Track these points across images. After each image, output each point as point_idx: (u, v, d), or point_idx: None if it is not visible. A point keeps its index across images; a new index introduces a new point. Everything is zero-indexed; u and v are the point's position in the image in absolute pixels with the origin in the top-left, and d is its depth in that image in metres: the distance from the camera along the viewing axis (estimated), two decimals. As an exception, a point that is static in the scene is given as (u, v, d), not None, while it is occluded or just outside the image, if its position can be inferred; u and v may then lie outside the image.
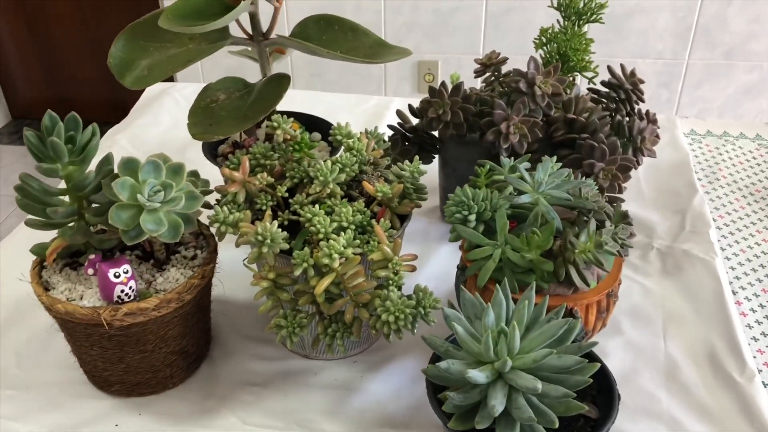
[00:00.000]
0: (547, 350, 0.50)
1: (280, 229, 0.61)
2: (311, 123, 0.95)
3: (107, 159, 0.64)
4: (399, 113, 0.91)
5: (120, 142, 1.14)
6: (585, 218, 0.63)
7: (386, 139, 0.81)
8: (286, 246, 0.61)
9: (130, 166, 0.61)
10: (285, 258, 0.64)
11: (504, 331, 0.51)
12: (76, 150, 0.62)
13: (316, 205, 0.64)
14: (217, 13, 0.73)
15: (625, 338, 0.75)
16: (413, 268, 0.62)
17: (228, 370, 0.72)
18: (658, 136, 0.83)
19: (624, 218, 0.63)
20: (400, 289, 0.61)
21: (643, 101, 0.86)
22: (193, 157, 0.92)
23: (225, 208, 0.65)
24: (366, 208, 0.67)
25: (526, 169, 0.69)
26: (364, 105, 1.26)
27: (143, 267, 0.67)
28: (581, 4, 0.86)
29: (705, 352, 0.73)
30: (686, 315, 0.78)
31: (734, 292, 0.81)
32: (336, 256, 0.58)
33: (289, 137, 0.71)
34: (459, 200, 0.62)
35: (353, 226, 0.64)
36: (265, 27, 0.80)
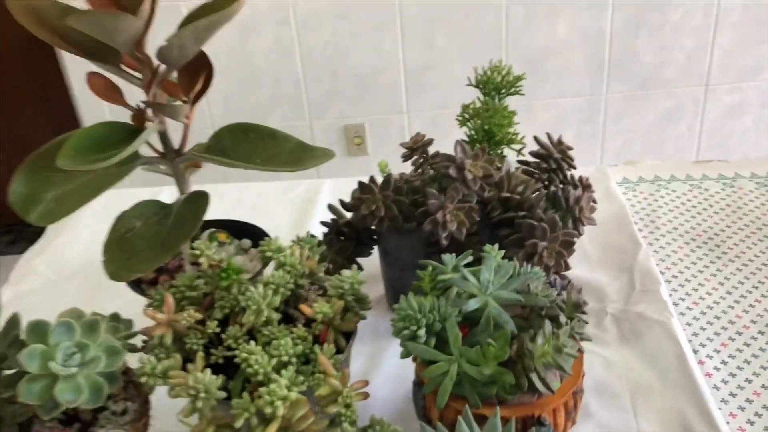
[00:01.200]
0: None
1: (215, 377, 0.55)
2: (239, 228, 0.90)
3: (13, 323, 0.58)
4: (332, 209, 0.87)
5: (38, 268, 1.06)
6: (538, 314, 0.60)
7: (318, 242, 0.77)
8: (224, 395, 0.55)
9: (39, 330, 0.55)
10: (224, 405, 0.59)
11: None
12: (-25, 322, 0.55)
13: (252, 342, 0.59)
14: (122, 139, 0.69)
15: (595, 422, 0.71)
16: (366, 396, 0.58)
17: None
18: (595, 202, 0.82)
19: (577, 308, 0.61)
20: (354, 424, 0.56)
21: (574, 168, 0.85)
22: (117, 281, 0.85)
23: (152, 357, 0.59)
24: (307, 333, 0.63)
25: (469, 263, 0.66)
26: (293, 192, 1.22)
27: (67, 434, 0.61)
28: (499, 79, 0.85)
29: (678, 424, 0.70)
30: (652, 384, 0.75)
31: (695, 351, 0.79)
32: (279, 403, 0.52)
33: (214, 263, 0.66)
34: (405, 314, 0.58)
35: (295, 359, 0.59)
36: (176, 142, 0.76)
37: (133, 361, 0.62)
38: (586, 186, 0.83)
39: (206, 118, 2.27)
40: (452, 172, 0.76)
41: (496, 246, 0.68)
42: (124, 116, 0.73)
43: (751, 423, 0.70)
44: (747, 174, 1.11)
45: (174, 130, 0.76)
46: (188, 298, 0.66)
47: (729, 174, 1.12)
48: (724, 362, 0.77)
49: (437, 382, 0.57)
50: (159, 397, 0.63)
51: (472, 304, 0.58)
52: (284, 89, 2.29)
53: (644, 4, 2.16)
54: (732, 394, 0.73)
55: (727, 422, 0.70)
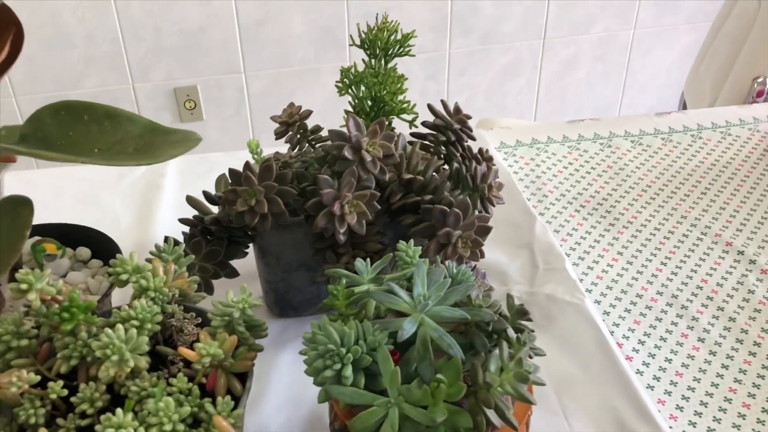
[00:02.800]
0: None
1: (70, 471, 0.39)
2: (71, 233, 0.71)
3: None
4: (192, 202, 0.71)
5: None
6: (480, 329, 0.49)
7: (183, 249, 0.61)
8: (87, 495, 0.39)
9: None
10: (87, 502, 0.43)
11: None
12: None
13: (118, 410, 0.43)
14: None
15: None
16: (281, 459, 0.44)
17: None
18: (499, 179, 0.73)
19: (522, 315, 0.51)
20: (272, 502, 0.43)
21: (473, 139, 0.75)
22: None
23: (-31, 449, 0.41)
24: (189, 383, 0.48)
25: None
26: (131, 175, 1.01)
27: None
28: (386, 38, 0.72)
29: (612, 421, 0.64)
30: (576, 377, 0.68)
31: (611, 332, 0.73)
32: (172, 499, 0.38)
33: (49, 298, 0.49)
34: (324, 350, 0.45)
35: (181, 426, 0.44)
36: (-25, 131, 0.56)
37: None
38: (488, 159, 0.74)
39: (5, 87, 1.93)
40: (347, 153, 0.63)
41: (411, 243, 0.57)
42: None
43: (681, 409, 0.66)
44: (621, 132, 1.09)
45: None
46: (15, 350, 0.48)
47: (604, 133, 1.08)
48: (641, 342, 0.73)
49: (371, 431, 0.45)
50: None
51: (408, 328, 0.46)
52: (99, 48, 1.99)
53: (483, -43, 2.12)
54: (656, 378, 0.69)
55: (659, 410, 0.65)
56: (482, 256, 0.67)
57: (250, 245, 0.73)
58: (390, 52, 0.73)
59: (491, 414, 0.45)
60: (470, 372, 0.46)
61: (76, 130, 0.57)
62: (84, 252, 0.69)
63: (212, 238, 0.70)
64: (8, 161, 0.59)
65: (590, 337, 0.72)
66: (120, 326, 0.47)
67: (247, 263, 0.74)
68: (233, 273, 0.70)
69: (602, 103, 2.48)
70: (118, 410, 0.43)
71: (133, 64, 2.05)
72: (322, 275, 0.68)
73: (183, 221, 0.70)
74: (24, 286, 0.47)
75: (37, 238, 0.68)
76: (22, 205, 0.54)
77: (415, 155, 0.69)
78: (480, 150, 0.74)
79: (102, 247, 0.68)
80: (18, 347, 0.48)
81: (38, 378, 0.45)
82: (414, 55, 0.73)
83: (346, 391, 0.45)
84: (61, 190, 0.98)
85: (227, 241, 0.70)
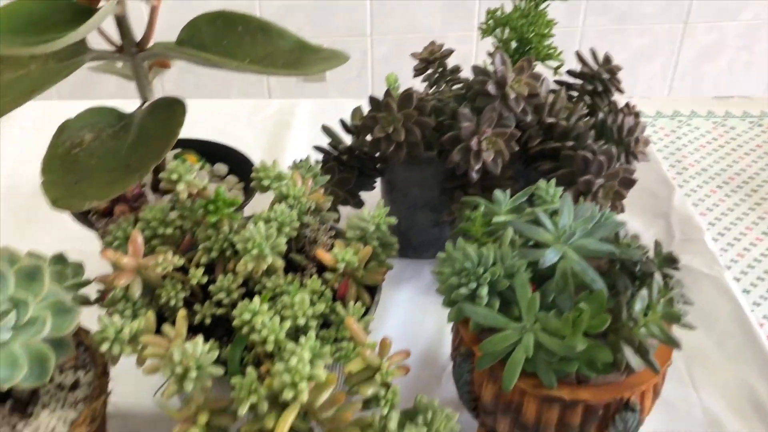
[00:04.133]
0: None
1: (206, 346, 0.40)
2: (210, 150, 0.73)
3: None
4: (327, 131, 0.71)
5: (-50, 193, 0.86)
6: (627, 271, 0.47)
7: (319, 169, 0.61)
8: (220, 371, 0.40)
9: (-47, 279, 0.38)
10: (219, 383, 0.44)
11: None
12: None
13: (256, 298, 0.44)
14: (67, 20, 0.51)
15: (651, 395, 0.60)
16: (407, 371, 0.44)
17: None
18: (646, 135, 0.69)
19: (670, 262, 0.48)
20: (395, 408, 0.43)
21: (621, 92, 0.71)
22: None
23: (115, 316, 0.43)
24: (323, 286, 0.48)
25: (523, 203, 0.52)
26: (262, 113, 1.04)
27: (-3, 417, 0.45)
28: (540, -21, 0.69)
29: (747, 399, 0.59)
30: (709, 352, 0.64)
31: (750, 311, 0.68)
32: (304, 384, 0.38)
33: (196, 192, 0.50)
34: (460, 268, 0.44)
35: (314, 322, 0.44)
36: (138, 34, 0.58)
37: (85, 315, 0.46)
38: (636, 113, 0.70)
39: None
40: (491, 88, 0.61)
41: (553, 182, 0.55)
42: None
43: (827, 397, 0.60)
44: (774, 112, 1.00)
45: (135, 19, 0.58)
46: (160, 237, 0.50)
47: (755, 112, 1.01)
48: (784, 324, 0.67)
49: (497, 356, 0.44)
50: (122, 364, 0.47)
51: (550, 257, 0.44)
52: (233, 2, 2.05)
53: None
54: (799, 362, 0.63)
55: (801, 396, 0.60)
56: (623, 210, 0.64)
57: (378, 180, 0.72)
58: (542, -6, 0.70)
59: (630, 355, 0.42)
60: (613, 310, 0.43)
61: (230, 39, 0.58)
62: (222, 168, 0.71)
63: (344, 167, 0.70)
64: (163, 66, 0.62)
65: (728, 312, 0.67)
66: (262, 224, 0.48)
67: (373, 200, 0.74)
68: (360, 204, 0.70)
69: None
70: (256, 297, 0.43)
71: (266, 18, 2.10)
72: (449, 214, 0.67)
73: (318, 148, 0.71)
74: (174, 176, 0.49)
75: (179, 149, 0.71)
76: (176, 103, 0.56)
77: (560, 100, 0.66)
78: (627, 104, 0.70)
79: (238, 165, 0.70)
80: (163, 235, 0.50)
81: (182, 261, 0.47)
82: (567, -1, 0.70)
83: (480, 311, 0.44)
84: (193, 122, 1.02)
85: (358, 171, 0.70)
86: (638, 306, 0.43)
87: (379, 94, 0.65)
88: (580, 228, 0.45)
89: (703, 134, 0.96)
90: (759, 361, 0.62)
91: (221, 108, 1.06)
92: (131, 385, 0.55)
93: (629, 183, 0.62)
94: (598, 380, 0.44)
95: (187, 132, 0.72)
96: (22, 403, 0.45)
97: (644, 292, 0.43)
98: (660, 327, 0.41)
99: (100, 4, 0.54)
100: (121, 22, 0.56)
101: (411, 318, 0.69)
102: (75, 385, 0.47)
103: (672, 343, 0.42)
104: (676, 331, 0.64)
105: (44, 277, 0.40)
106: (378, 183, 0.73)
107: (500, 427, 0.48)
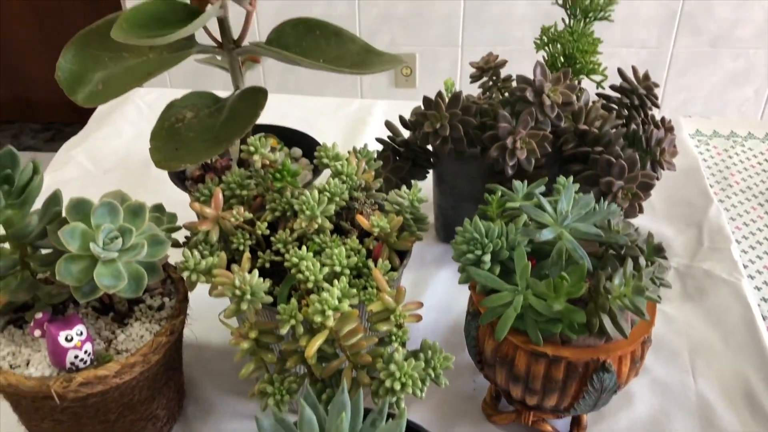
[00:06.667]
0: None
1: (261, 279, 0.51)
2: (289, 136, 0.85)
3: (54, 199, 0.54)
4: (389, 125, 0.82)
5: (77, 158, 1.03)
6: (613, 253, 0.55)
7: (375, 156, 0.71)
8: (270, 299, 0.51)
9: (81, 209, 0.51)
10: (269, 311, 0.55)
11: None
12: (15, 191, 0.52)
13: (304, 247, 0.55)
14: (180, 19, 0.63)
15: (651, 377, 0.67)
16: (419, 318, 0.54)
17: (205, 431, 0.63)
18: (675, 147, 0.75)
19: (658, 252, 0.55)
20: (404, 345, 0.52)
21: (657, 107, 0.78)
22: (159, 174, 0.82)
23: (195, 252, 0.55)
24: (360, 245, 0.58)
25: (542, 194, 0.60)
26: (345, 109, 1.16)
27: (101, 322, 0.58)
28: (588, 1, 0.77)
29: (740, 390, 0.65)
30: (714, 345, 0.70)
31: (763, 317, 0.73)
32: (330, 312, 0.49)
33: (268, 163, 0.62)
34: (470, 237, 0.54)
35: (347, 271, 0.55)
36: (235, 32, 0.70)
37: (174, 256, 0.58)
38: (668, 128, 0.76)
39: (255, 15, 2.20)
40: (529, 95, 0.70)
41: (571, 179, 0.63)
42: None
43: (820, 397, 0.65)
44: (833, 139, 1.03)
45: (234, 21, 0.70)
46: (237, 197, 0.62)
47: (813, 137, 1.04)
48: (794, 331, 0.72)
49: (497, 313, 0.53)
50: (198, 296, 0.60)
51: (546, 234, 0.53)
52: (336, 9, 2.20)
53: (728, -44, 2.02)
54: (801, 366, 0.68)
55: (794, 393, 0.65)
56: (641, 211, 0.71)
57: (430, 172, 0.82)
58: (590, 15, 0.78)
59: (606, 321, 0.51)
60: (593, 282, 0.51)
61: (308, 41, 0.70)
62: (297, 151, 0.83)
63: (399, 157, 0.80)
64: (254, 61, 0.74)
65: (738, 313, 0.73)
66: (316, 192, 0.59)
67: (425, 189, 0.84)
68: (412, 190, 0.80)
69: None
70: (304, 246, 0.54)
71: (364, 27, 2.23)
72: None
73: (378, 140, 0.81)
74: (252, 149, 0.61)
75: (263, 134, 0.83)
76: (259, 91, 0.68)
77: (594, 109, 0.74)
78: (663, 118, 0.77)
79: (311, 149, 0.82)
80: (239, 195, 0.62)
81: (251, 216, 0.59)
82: (612, 20, 0.78)
83: (482, 274, 0.53)
84: (285, 114, 1.15)
85: (411, 162, 0.80)
86: (617, 281, 0.51)
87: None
88: (575, 213, 0.54)
89: (756, 155, 1.00)
90: (758, 357, 0.68)
91: (312, 103, 1.19)
92: (206, 322, 0.67)
93: (647, 186, 0.69)
94: (578, 341, 0.52)
95: (278, 121, 0.85)
96: (121, 315, 0.58)
97: (621, 270, 0.51)
98: (631, 299, 0.49)
99: (208, 7, 0.67)
100: (223, 23, 0.69)
101: (448, 293, 0.78)
102: (161, 307, 0.60)
103: (639, 313, 0.50)
104: (686, 324, 0.71)
105: (145, 215, 0.53)
106: (430, 174, 0.83)
107: (498, 379, 0.57)
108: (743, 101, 2.27)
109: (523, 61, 2.34)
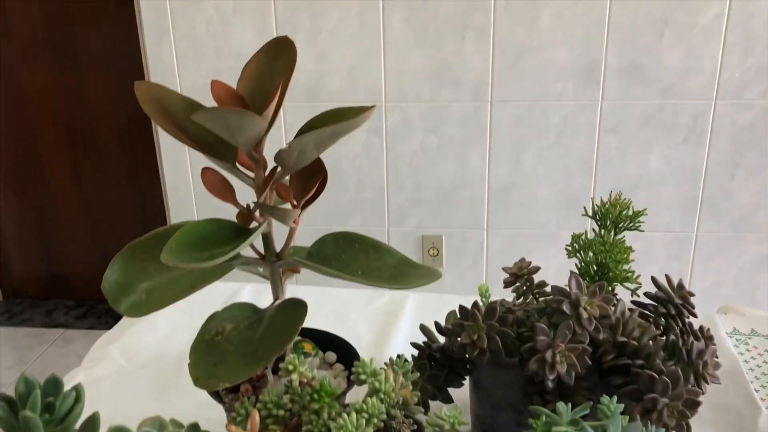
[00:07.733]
0: None
1: None
2: (324, 339, 0.85)
3: (92, 424, 0.54)
4: (424, 330, 0.82)
5: (111, 354, 1.03)
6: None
7: (411, 366, 0.71)
8: None
9: (120, 438, 0.51)
10: None
11: None
12: (54, 420, 0.51)
13: (343, 478, 0.53)
14: (227, 237, 0.66)
15: None
16: None
17: None
18: (717, 357, 0.74)
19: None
20: None
21: (695, 316, 0.77)
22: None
23: (231, 482, 0.53)
24: (401, 474, 0.56)
25: (584, 416, 0.58)
26: (376, 302, 1.17)
27: None
28: (617, 212, 0.80)
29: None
30: None
31: None
32: None
33: (306, 381, 0.62)
34: (516, 471, 0.51)
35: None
36: (278, 245, 0.73)
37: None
38: (708, 338, 0.75)
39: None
40: (566, 308, 0.70)
41: (615, 399, 0.61)
42: (215, 211, 0.71)
43: None
44: None
45: (275, 231, 0.73)
46: (274, 417, 0.61)
47: None
48: None
49: None
50: None
51: (595, 469, 0.51)
52: (367, 194, 2.30)
53: (742, 146, 2.10)
54: None
55: None
56: (689, 430, 0.68)
57: (467, 378, 0.81)
58: (620, 225, 0.80)
59: None
60: None
61: (347, 254, 0.72)
62: (331, 356, 0.83)
63: (435, 364, 0.79)
64: (294, 272, 0.76)
65: None
66: (354, 415, 0.58)
67: (462, 395, 0.82)
68: (448, 399, 0.79)
69: None
70: (342, 479, 0.52)
71: (392, 210, 2.32)
72: (528, 416, 0.73)
73: (414, 345, 0.81)
74: (290, 367, 0.61)
75: (299, 338, 0.84)
76: (299, 305, 0.69)
77: (632, 321, 0.74)
78: (701, 327, 0.77)
79: (346, 354, 0.81)
80: (276, 415, 0.61)
81: (287, 440, 0.57)
82: (643, 231, 0.80)
83: None
84: (319, 306, 1.16)
85: (448, 369, 0.79)
86: None
87: (468, 304, 0.76)
88: (625, 445, 0.52)
89: (799, 356, 0.98)
90: None
91: (344, 295, 1.20)
92: None
93: (694, 404, 0.67)
94: None
95: (312, 314, 0.86)
96: None
97: None
98: None
99: (252, 224, 0.70)
100: (266, 238, 0.72)
101: None
102: None
103: None
104: None
105: (183, 443, 0.52)
106: (466, 381, 0.81)
107: None
108: (773, 284, 2.25)
109: (548, 248, 2.38)
